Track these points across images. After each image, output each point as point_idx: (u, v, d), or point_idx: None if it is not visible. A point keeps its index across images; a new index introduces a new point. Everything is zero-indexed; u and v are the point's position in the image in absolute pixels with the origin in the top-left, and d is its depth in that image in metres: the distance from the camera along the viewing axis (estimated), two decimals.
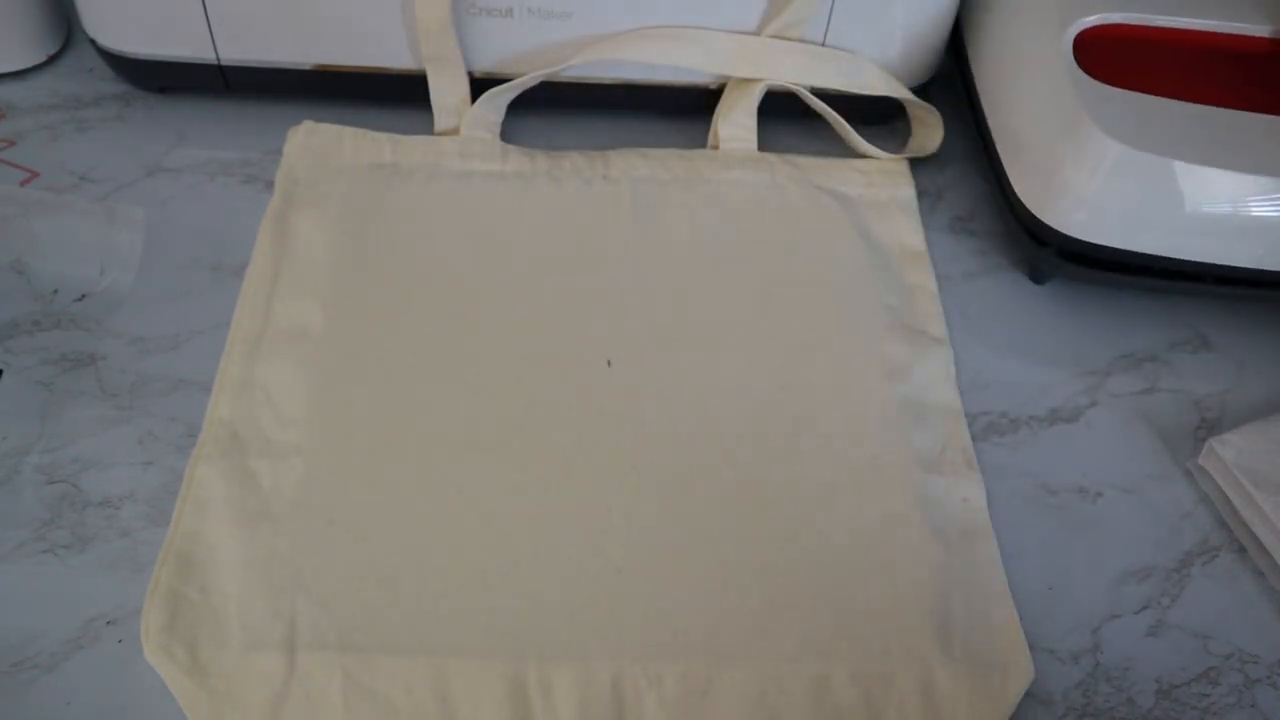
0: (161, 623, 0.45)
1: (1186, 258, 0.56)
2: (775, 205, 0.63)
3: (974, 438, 0.54)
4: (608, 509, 0.50)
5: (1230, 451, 0.53)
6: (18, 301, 0.57)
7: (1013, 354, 0.59)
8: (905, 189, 0.65)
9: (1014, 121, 0.61)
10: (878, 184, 0.65)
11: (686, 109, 0.67)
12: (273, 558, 0.47)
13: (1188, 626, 0.49)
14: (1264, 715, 0.47)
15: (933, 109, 0.67)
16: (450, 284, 0.58)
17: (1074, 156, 0.55)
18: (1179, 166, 0.54)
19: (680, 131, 0.67)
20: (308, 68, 0.65)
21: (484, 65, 0.65)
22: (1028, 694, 0.46)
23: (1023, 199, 0.59)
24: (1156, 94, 0.56)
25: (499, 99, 0.64)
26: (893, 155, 0.66)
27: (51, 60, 0.69)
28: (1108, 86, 0.57)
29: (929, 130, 0.67)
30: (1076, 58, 0.58)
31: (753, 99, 0.65)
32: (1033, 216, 0.58)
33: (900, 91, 0.66)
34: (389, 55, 0.64)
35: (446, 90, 0.64)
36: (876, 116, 0.68)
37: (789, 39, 0.64)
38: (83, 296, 0.57)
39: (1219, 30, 0.61)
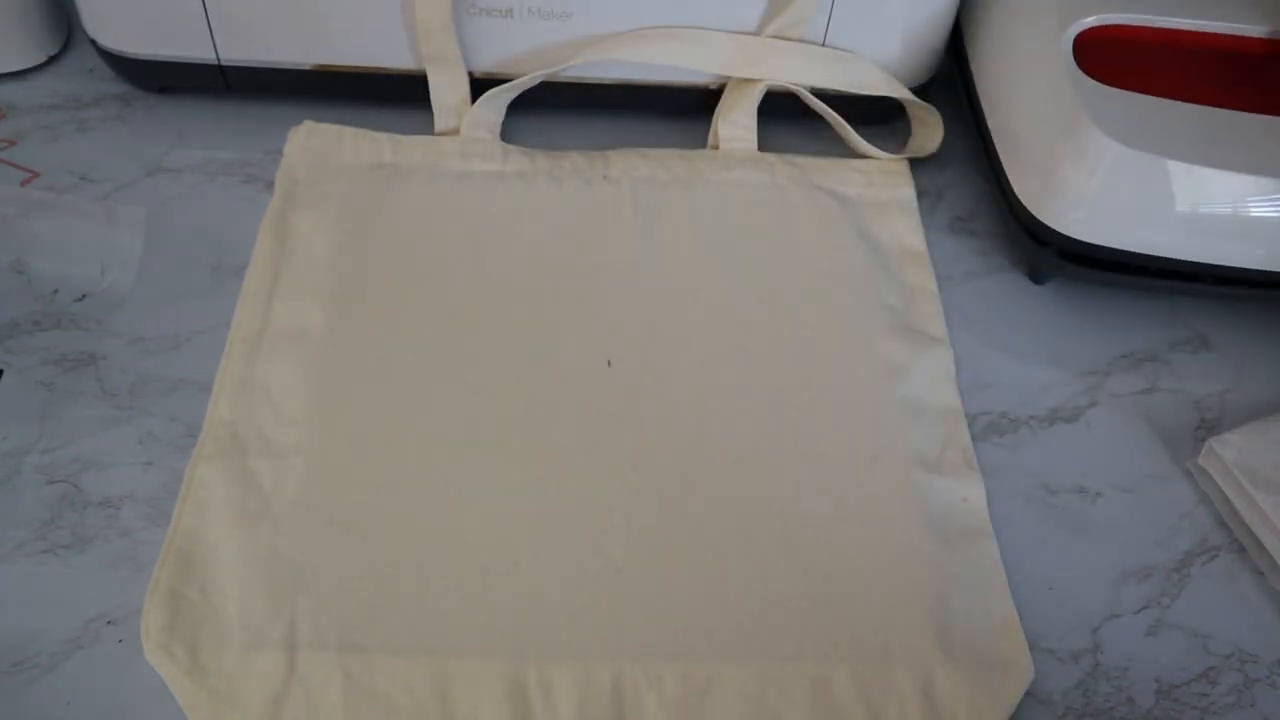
0: (162, 623, 0.45)
1: (1186, 258, 0.56)
2: (775, 205, 0.63)
3: (974, 438, 0.54)
4: (608, 509, 0.50)
5: (1230, 451, 0.53)
6: (18, 301, 0.57)
7: (1013, 354, 0.59)
8: (905, 189, 0.65)
9: (1014, 122, 0.61)
10: (878, 184, 0.65)
11: (686, 109, 0.67)
12: (273, 558, 0.47)
13: (1188, 626, 0.49)
14: (1264, 715, 0.47)
15: (933, 109, 0.67)
16: (450, 284, 0.58)
17: (1074, 156, 0.55)
18: (1178, 167, 0.54)
19: (680, 132, 0.67)
20: (308, 68, 0.65)
21: (484, 65, 0.65)
22: (1028, 694, 0.46)
23: (1022, 199, 0.59)
24: (1156, 94, 0.56)
25: (499, 99, 0.64)
26: (893, 155, 0.66)
27: (52, 60, 0.69)
28: (1107, 87, 0.57)
29: (929, 130, 0.67)
30: (1076, 58, 0.58)
31: (753, 99, 0.65)
32: (1032, 216, 0.58)
33: (900, 91, 0.66)
34: (389, 55, 0.64)
35: (447, 90, 0.64)
36: (876, 116, 0.68)
37: (789, 39, 0.64)
38: (83, 296, 0.57)
39: (1218, 31, 0.61)
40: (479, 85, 0.64)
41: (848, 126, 0.66)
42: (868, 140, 0.66)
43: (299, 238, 0.59)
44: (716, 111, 0.66)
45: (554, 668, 0.45)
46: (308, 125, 0.64)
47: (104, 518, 0.49)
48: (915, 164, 0.67)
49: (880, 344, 0.57)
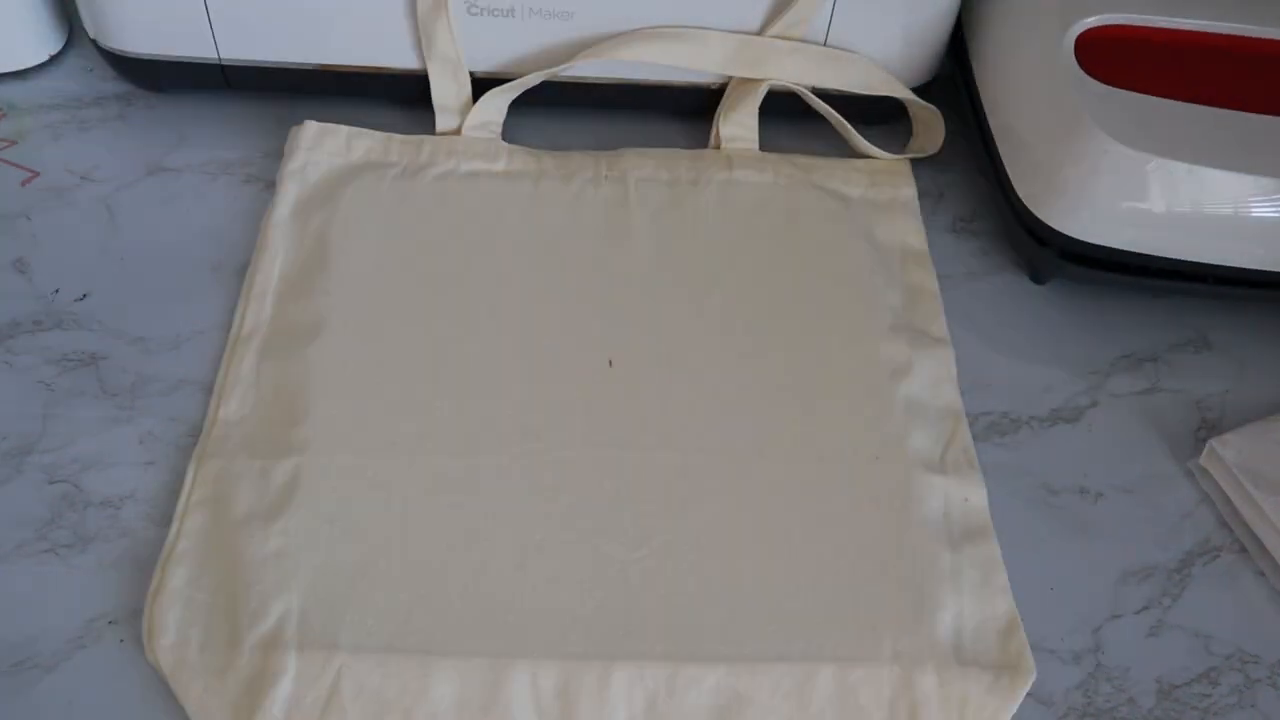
0: (163, 622, 0.45)
1: (1187, 258, 0.56)
2: (777, 205, 0.63)
3: (975, 438, 0.54)
4: (608, 509, 0.50)
5: (1231, 452, 0.53)
6: (19, 301, 0.57)
7: (1014, 354, 0.59)
8: (906, 189, 0.65)
9: (1015, 122, 0.61)
10: (879, 184, 0.65)
11: (688, 109, 0.67)
12: (273, 557, 0.47)
13: (1188, 626, 0.49)
14: (1265, 715, 0.47)
15: (934, 109, 0.67)
16: (451, 283, 0.58)
17: (1074, 156, 0.55)
18: (1179, 167, 0.54)
19: (682, 131, 0.67)
20: (309, 67, 0.65)
21: (485, 65, 0.65)
22: (1028, 694, 0.46)
23: (1023, 199, 0.59)
24: (1157, 94, 0.56)
25: (500, 99, 0.64)
26: (894, 155, 0.66)
27: (52, 60, 0.69)
28: (1108, 87, 0.57)
29: (930, 130, 0.67)
30: (1077, 58, 0.58)
31: (754, 99, 0.65)
32: (1033, 217, 0.58)
33: (901, 92, 0.66)
34: (390, 55, 0.64)
35: (448, 90, 0.64)
36: (878, 117, 0.68)
37: (791, 39, 0.64)
38: (84, 296, 0.57)
39: (1219, 31, 0.61)
40: (480, 85, 0.64)
41: (849, 126, 0.66)
42: (869, 140, 0.66)
43: (300, 237, 0.59)
44: (718, 111, 0.66)
45: (553, 668, 0.45)
46: (309, 125, 0.64)
47: (105, 517, 0.49)
48: (916, 164, 0.67)
49: (881, 344, 0.57)
